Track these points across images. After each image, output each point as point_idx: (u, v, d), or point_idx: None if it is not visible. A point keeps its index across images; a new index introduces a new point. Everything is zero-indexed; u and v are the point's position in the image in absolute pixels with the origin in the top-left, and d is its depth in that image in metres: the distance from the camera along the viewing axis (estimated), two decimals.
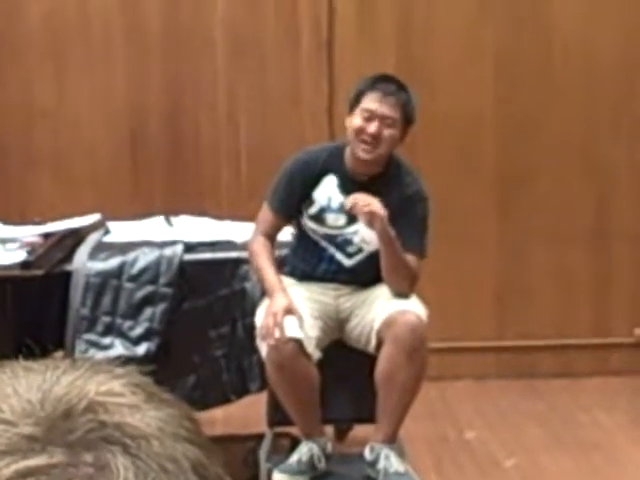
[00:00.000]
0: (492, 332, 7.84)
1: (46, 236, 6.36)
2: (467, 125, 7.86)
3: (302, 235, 5.20)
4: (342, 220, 5.06)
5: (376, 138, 5.00)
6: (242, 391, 5.90)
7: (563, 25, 7.94)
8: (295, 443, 6.05)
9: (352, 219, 5.05)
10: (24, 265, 5.97)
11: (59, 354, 5.49)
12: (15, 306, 5.80)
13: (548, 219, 7.84)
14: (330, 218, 5.07)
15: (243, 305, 5.93)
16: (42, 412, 0.88)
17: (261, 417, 5.13)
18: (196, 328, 5.92)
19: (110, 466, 0.85)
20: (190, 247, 6.10)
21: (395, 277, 5.06)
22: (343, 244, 5.10)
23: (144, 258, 6.00)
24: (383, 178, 5.11)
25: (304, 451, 4.92)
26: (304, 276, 5.24)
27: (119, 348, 5.82)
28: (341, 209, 5.07)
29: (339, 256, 5.12)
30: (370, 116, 5.01)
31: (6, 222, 6.61)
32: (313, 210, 5.07)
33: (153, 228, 6.48)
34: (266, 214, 5.22)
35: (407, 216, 5.04)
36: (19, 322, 5.76)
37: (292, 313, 4.96)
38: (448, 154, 7.83)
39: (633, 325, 8.03)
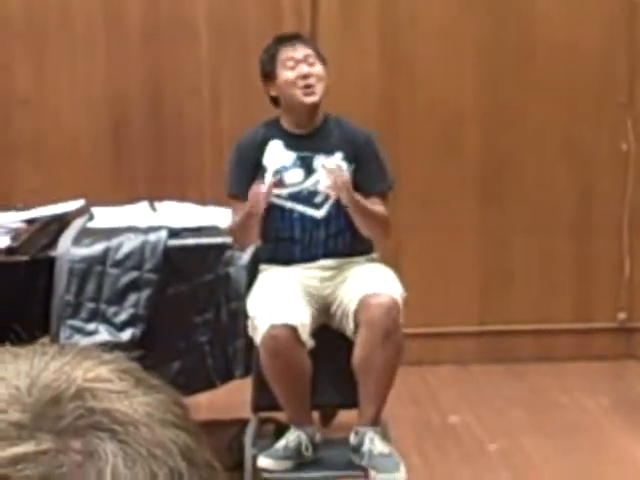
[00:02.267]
0: (474, 317, 7.87)
1: (30, 222, 6.36)
2: (450, 115, 7.90)
3: (267, 211, 5.15)
4: (300, 174, 5.08)
5: (311, 75, 5.07)
6: (226, 376, 5.90)
7: (545, 17, 7.99)
8: (280, 428, 6.06)
9: (309, 171, 5.10)
10: (8, 251, 5.98)
11: (45, 340, 5.48)
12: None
13: (530, 207, 7.89)
14: (288, 176, 5.08)
15: (227, 290, 5.93)
16: (30, 399, 0.88)
17: (246, 402, 5.14)
18: (180, 314, 5.92)
19: (99, 452, 0.85)
20: (174, 233, 6.11)
21: (368, 228, 5.10)
22: (309, 197, 5.10)
23: (128, 244, 5.99)
24: (321, 130, 5.15)
25: (292, 438, 4.92)
26: (285, 258, 5.24)
27: (104, 334, 5.82)
28: (295, 164, 5.10)
29: (309, 211, 5.12)
30: (294, 63, 5.09)
31: None
32: (269, 175, 5.07)
33: (137, 214, 6.49)
34: (234, 205, 5.26)
35: (365, 162, 5.07)
36: (3, 308, 5.74)
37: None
38: (431, 144, 7.88)
39: (615, 310, 8.09)
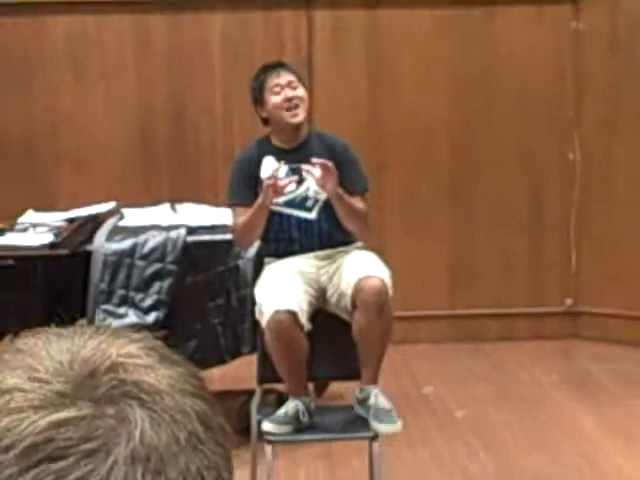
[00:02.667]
0: (446, 303, 7.89)
1: (70, 221, 6.38)
2: (425, 129, 7.93)
3: (268, 217, 5.10)
4: (292, 185, 5.02)
5: (295, 98, 5.04)
6: (235, 353, 5.94)
7: (505, 44, 8.00)
8: (281, 398, 6.03)
9: (300, 181, 5.05)
10: (51, 246, 5.99)
11: (82, 322, 5.46)
12: (44, 281, 5.78)
13: (491, 208, 7.91)
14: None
15: (236, 280, 5.95)
16: (71, 372, 0.89)
17: (252, 375, 5.11)
18: (197, 300, 5.96)
19: (129, 418, 0.86)
20: (192, 230, 6.15)
21: (350, 221, 5.05)
22: (301, 202, 5.06)
23: (153, 240, 6.01)
24: (306, 145, 5.11)
25: (291, 406, 4.90)
26: (286, 253, 5.18)
27: (132, 317, 5.83)
28: (287, 175, 5.04)
29: (302, 214, 5.08)
30: (280, 88, 5.07)
31: (37, 210, 6.60)
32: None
33: (160, 214, 6.51)
34: (236, 213, 5.19)
35: (344, 168, 5.00)
36: (47, 294, 5.73)
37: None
38: (410, 154, 7.93)
39: (563, 296, 8.09)
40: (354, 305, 4.95)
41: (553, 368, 7.41)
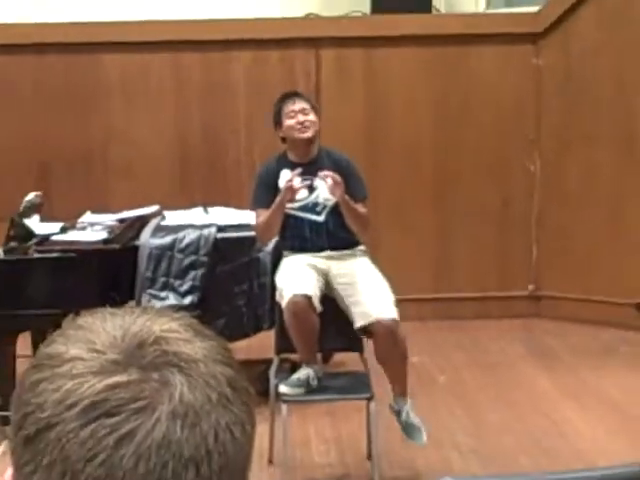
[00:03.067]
0: (430, 288, 7.89)
1: (121, 221, 6.38)
2: (412, 146, 7.98)
3: (285, 220, 5.03)
4: (305, 193, 4.95)
5: (306, 121, 4.96)
6: (257, 329, 5.94)
7: (479, 77, 8.01)
8: (294, 366, 6.03)
9: (311, 190, 4.98)
10: (105, 241, 6.01)
11: (131, 304, 5.46)
12: (99, 270, 5.78)
13: (468, 210, 7.93)
14: (297, 194, 4.93)
15: (257, 269, 5.95)
16: (123, 344, 0.90)
17: (270, 347, 5.12)
18: (225, 286, 5.95)
19: (170, 382, 0.88)
20: (221, 228, 6.15)
21: (354, 222, 4.97)
22: (312, 207, 4.99)
23: (189, 236, 6.01)
24: (317, 160, 5.03)
25: (303, 373, 4.89)
26: (301, 249, 5.11)
27: (172, 299, 5.83)
28: (300, 185, 4.94)
29: (313, 217, 5.01)
30: (294, 114, 5.00)
31: (93, 211, 6.60)
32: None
33: (195, 215, 6.50)
34: (258, 214, 5.11)
35: (348, 179, 4.93)
36: (103, 281, 5.74)
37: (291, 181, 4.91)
38: (400, 167, 7.98)
39: (527, 283, 8.09)
40: (368, 334, 4.90)
41: (518, 342, 7.42)
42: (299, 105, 5.04)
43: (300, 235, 5.08)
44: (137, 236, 6.11)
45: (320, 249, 5.06)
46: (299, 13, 8.26)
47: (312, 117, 5.03)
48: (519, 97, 8.05)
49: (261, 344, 5.76)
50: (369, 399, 4.80)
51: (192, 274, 5.93)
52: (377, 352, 4.91)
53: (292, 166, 4.98)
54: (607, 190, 7.77)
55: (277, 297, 5.03)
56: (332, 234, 5.03)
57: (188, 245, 5.99)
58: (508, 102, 8.04)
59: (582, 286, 7.86)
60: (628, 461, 1.79)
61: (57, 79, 8.07)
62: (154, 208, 6.59)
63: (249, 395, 0.93)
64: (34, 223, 6.08)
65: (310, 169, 4.94)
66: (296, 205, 4.96)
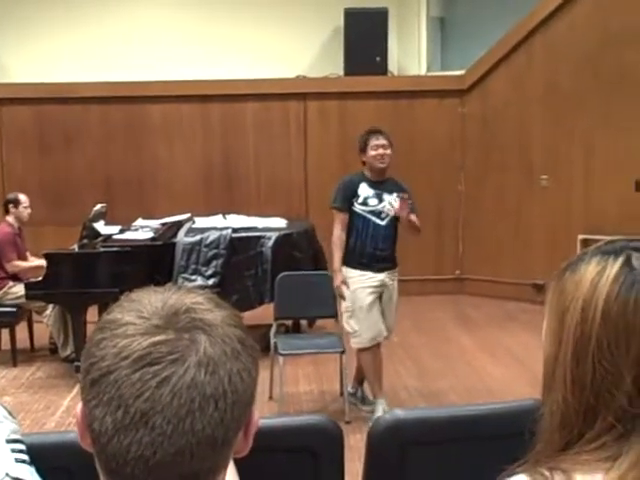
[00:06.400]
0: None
1: (163, 225, 6.36)
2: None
3: (355, 216, 4.70)
4: (375, 201, 4.68)
5: (384, 155, 4.68)
6: (261, 302, 5.89)
7: (420, 121, 7.98)
8: (287, 329, 6.05)
9: (380, 200, 4.69)
10: (152, 239, 5.97)
11: (170, 284, 5.46)
12: (147, 260, 5.76)
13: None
14: (370, 202, 4.68)
15: (262, 259, 5.92)
16: (163, 312, 0.89)
17: (271, 315, 5.10)
18: (238, 271, 5.91)
19: (197, 340, 0.86)
20: (235, 230, 6.11)
21: (411, 231, 4.77)
22: (378, 213, 4.69)
23: (212, 236, 6.00)
24: (387, 182, 4.75)
25: (380, 409, 4.56)
26: (362, 264, 4.68)
27: (199, 281, 5.81)
28: (373, 196, 4.69)
29: (377, 220, 4.69)
30: (377, 147, 4.69)
31: (144, 218, 6.59)
32: (360, 200, 4.68)
33: (216, 221, 6.48)
34: (339, 215, 4.76)
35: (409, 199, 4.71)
36: (150, 268, 5.71)
37: (345, 284, 4.63)
38: None
39: (454, 268, 8.09)
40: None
41: (448, 311, 7.41)
42: (382, 141, 4.73)
43: (364, 231, 4.70)
44: (175, 235, 6.09)
45: (378, 260, 4.70)
46: (292, 75, 8.26)
47: (389, 151, 4.74)
48: (450, 136, 8.05)
49: (264, 313, 5.74)
50: (342, 352, 4.79)
51: (214, 263, 5.91)
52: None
53: (368, 181, 4.72)
54: (512, 204, 7.79)
55: (346, 328, 4.68)
56: (387, 237, 4.73)
57: (211, 242, 5.97)
58: (442, 140, 8.05)
59: (493, 271, 7.88)
60: (527, 397, 1.79)
61: (118, 123, 8.05)
62: (187, 215, 6.58)
63: (254, 350, 0.92)
64: (100, 226, 6.07)
65: (381, 185, 4.72)
66: (367, 209, 4.70)
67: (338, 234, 4.72)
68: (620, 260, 1.00)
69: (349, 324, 4.66)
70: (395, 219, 4.71)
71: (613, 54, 6.99)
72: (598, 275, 0.99)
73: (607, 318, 0.96)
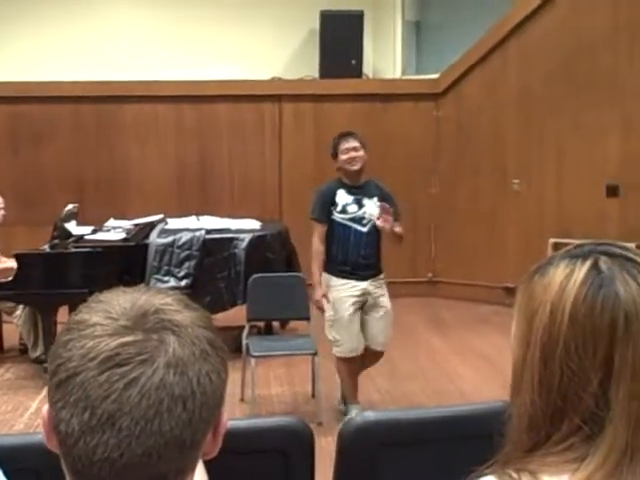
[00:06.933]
0: None
1: (136, 225, 6.31)
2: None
3: (335, 225, 4.60)
4: (355, 207, 4.58)
5: (355, 157, 4.57)
6: (234, 304, 5.86)
7: (394, 124, 8.01)
8: (259, 330, 6.04)
9: (360, 206, 4.60)
10: (124, 240, 5.92)
11: (142, 285, 5.43)
12: (119, 261, 5.73)
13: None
14: (349, 209, 4.57)
15: (234, 261, 5.90)
16: (131, 313, 0.88)
17: (243, 317, 5.08)
18: (210, 272, 5.88)
19: (166, 341, 0.86)
20: (208, 231, 6.09)
21: (393, 241, 4.64)
22: (359, 220, 4.58)
23: (185, 237, 5.97)
24: (365, 185, 4.64)
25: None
26: (345, 272, 4.59)
27: (172, 282, 5.78)
28: (352, 202, 4.60)
29: (359, 227, 4.59)
30: (347, 151, 4.60)
31: (116, 218, 6.55)
32: (339, 208, 4.58)
33: (189, 222, 6.45)
34: (317, 226, 4.65)
35: (390, 203, 4.57)
36: (121, 269, 5.67)
37: (325, 297, 4.56)
38: None
39: (427, 271, 8.12)
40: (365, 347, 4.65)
41: (421, 313, 7.41)
42: (352, 144, 4.64)
43: (345, 240, 4.61)
44: (147, 236, 6.05)
45: (361, 267, 4.61)
46: (267, 76, 8.25)
47: (361, 153, 4.64)
48: (424, 140, 8.07)
49: (236, 315, 5.71)
50: (314, 354, 4.78)
51: (187, 264, 5.87)
52: (363, 366, 4.75)
53: (346, 187, 4.63)
54: (486, 207, 7.83)
55: (328, 336, 4.63)
56: (370, 244, 4.63)
57: (184, 243, 5.93)
58: (417, 143, 8.07)
59: (466, 274, 7.92)
60: (497, 399, 1.80)
61: (91, 123, 8.00)
62: (159, 216, 6.54)
63: (223, 351, 0.92)
64: (72, 226, 6.02)
65: (359, 190, 4.63)
66: (347, 217, 4.61)
67: (316, 247, 4.63)
68: (588, 264, 1.01)
69: (331, 333, 4.62)
70: (376, 225, 4.60)
71: (585, 59, 7.07)
72: (566, 278, 1.00)
73: (574, 321, 0.97)
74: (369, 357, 4.72)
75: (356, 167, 4.62)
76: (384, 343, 4.72)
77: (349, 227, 4.60)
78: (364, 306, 4.63)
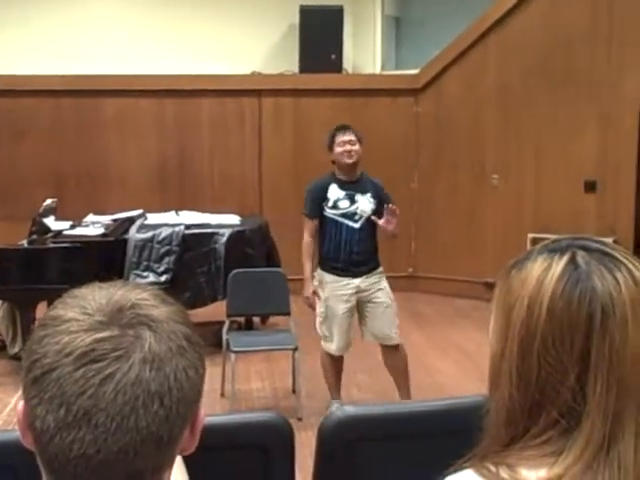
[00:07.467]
0: None
1: (115, 220, 6.28)
2: (327, 166, 7.88)
3: (326, 221, 4.57)
4: (347, 203, 4.54)
5: (351, 150, 4.55)
6: (214, 299, 5.84)
7: (374, 119, 8.01)
8: (239, 325, 6.03)
9: (352, 202, 4.56)
10: (103, 235, 5.90)
11: (120, 280, 5.40)
12: (98, 256, 5.69)
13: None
14: (341, 204, 4.53)
15: (215, 256, 5.88)
16: (107, 308, 0.87)
17: (223, 312, 5.07)
18: (190, 268, 5.86)
19: (142, 336, 0.85)
20: (188, 226, 6.07)
21: (389, 238, 4.70)
22: (351, 215, 4.53)
23: (164, 232, 5.94)
24: (359, 180, 4.62)
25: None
26: (337, 269, 4.53)
27: (151, 278, 5.75)
28: (345, 197, 4.56)
29: (350, 223, 4.54)
30: (342, 143, 4.58)
31: (95, 213, 6.51)
32: (330, 204, 4.54)
33: (169, 217, 6.43)
34: (308, 222, 4.63)
35: (384, 198, 4.59)
36: (100, 264, 5.64)
37: (316, 294, 4.54)
38: None
39: (407, 266, 8.13)
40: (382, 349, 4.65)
41: (400, 309, 7.24)
42: (347, 137, 4.61)
43: (337, 236, 4.57)
44: (127, 232, 6.02)
45: (354, 264, 4.57)
46: (247, 71, 8.23)
47: (357, 147, 4.61)
48: (404, 135, 8.08)
49: (216, 310, 5.71)
50: (294, 349, 4.79)
51: (166, 259, 5.85)
52: (390, 370, 4.70)
53: (339, 182, 4.59)
54: (465, 202, 7.86)
55: (318, 331, 4.62)
56: (362, 239, 4.59)
57: (164, 238, 5.91)
58: (396, 138, 8.08)
59: (445, 269, 7.95)
60: (475, 393, 1.80)
61: (70, 117, 7.94)
62: (139, 211, 6.51)
63: (200, 346, 0.91)
64: (50, 222, 5.97)
65: (353, 185, 4.59)
66: (339, 212, 4.56)
67: (307, 242, 4.60)
68: (565, 258, 1.01)
69: (321, 329, 4.61)
70: (368, 220, 4.57)
71: (563, 55, 7.10)
72: (544, 273, 1.00)
73: (552, 315, 0.98)
74: (391, 356, 4.64)
75: (351, 160, 4.59)
76: (394, 336, 4.66)
77: (340, 223, 4.56)
78: (359, 303, 4.60)
